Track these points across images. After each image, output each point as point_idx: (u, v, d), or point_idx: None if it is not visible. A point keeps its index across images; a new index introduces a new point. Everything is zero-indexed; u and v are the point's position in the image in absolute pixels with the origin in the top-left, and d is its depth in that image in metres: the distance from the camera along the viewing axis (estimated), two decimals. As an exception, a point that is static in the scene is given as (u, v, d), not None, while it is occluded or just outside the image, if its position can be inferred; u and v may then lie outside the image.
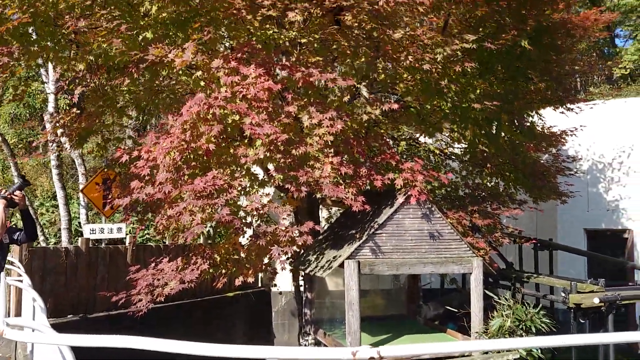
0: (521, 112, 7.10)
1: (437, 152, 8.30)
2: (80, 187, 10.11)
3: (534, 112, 7.66)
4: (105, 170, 9.35)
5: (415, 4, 5.05)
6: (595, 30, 9.12)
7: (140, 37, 5.66)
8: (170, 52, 5.43)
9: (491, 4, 5.30)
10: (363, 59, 5.43)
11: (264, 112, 5.25)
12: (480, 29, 5.38)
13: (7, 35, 5.86)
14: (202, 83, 5.49)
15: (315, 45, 5.75)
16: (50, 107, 9.41)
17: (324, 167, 5.41)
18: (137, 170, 5.46)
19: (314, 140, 5.43)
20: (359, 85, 5.76)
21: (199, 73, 5.49)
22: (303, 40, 5.66)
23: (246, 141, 5.57)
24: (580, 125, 9.33)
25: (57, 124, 7.06)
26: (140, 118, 7.24)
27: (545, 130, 8.86)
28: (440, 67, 5.60)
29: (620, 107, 12.18)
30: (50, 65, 8.56)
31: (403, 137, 8.40)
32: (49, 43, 6.11)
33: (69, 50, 6.18)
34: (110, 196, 7.94)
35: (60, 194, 9.60)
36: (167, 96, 6.26)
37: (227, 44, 6.27)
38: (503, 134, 7.26)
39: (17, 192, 4.38)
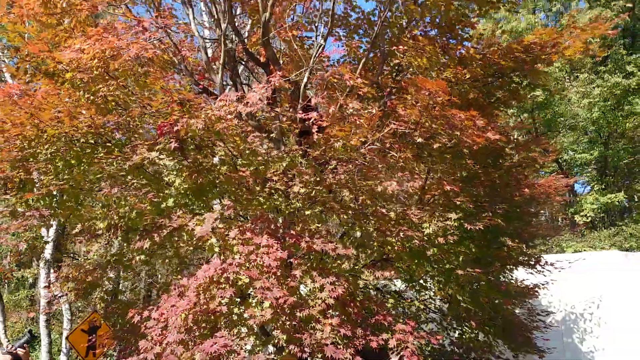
0: (498, 274, 8.02)
1: (422, 306, 9.01)
2: (65, 332, 10.26)
3: (508, 273, 8.60)
4: (93, 316, 9.65)
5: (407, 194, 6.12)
6: (557, 194, 10.45)
7: (163, 205, 6.51)
8: (190, 220, 6.26)
9: (469, 191, 6.43)
10: (359, 233, 6.35)
11: (274, 277, 5.98)
12: (459, 211, 6.43)
13: (36, 202, 6.65)
14: (217, 249, 6.25)
15: (317, 216, 6.68)
16: (47, 253, 9.91)
17: (325, 329, 6.03)
18: (147, 331, 5.95)
19: (316, 303, 6.11)
20: (355, 253, 6.62)
21: (214, 240, 6.27)
22: (307, 212, 6.60)
23: (253, 302, 6.20)
24: (551, 280, 10.28)
25: (65, 278, 7.57)
26: (145, 277, 7.82)
27: (519, 283, 9.75)
28: (426, 239, 6.56)
29: (586, 257, 13.34)
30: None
31: (390, 290, 9.16)
32: (73, 204, 6.91)
33: (91, 211, 6.96)
34: (95, 342, 8.20)
35: (45, 342, 9.71)
36: (180, 259, 6.96)
37: (241, 213, 7.15)
38: (483, 293, 8.08)
39: (20, 349, 4.84)
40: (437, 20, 7.72)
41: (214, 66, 7.55)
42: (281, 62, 8.61)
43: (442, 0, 6.79)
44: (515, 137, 25.87)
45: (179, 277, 6.89)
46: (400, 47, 7.13)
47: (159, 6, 7.30)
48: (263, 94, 5.49)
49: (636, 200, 29.88)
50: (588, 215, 23.89)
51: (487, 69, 6.98)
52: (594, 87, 23.21)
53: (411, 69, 7.05)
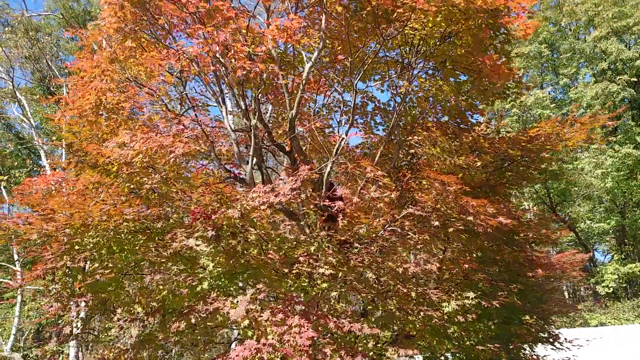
0: (518, 351, 8.34)
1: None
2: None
3: (528, 349, 8.89)
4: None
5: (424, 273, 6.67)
6: (573, 269, 10.85)
7: (199, 288, 7.09)
8: (225, 303, 6.81)
9: (485, 270, 6.95)
10: (380, 312, 6.84)
11: (306, 355, 6.43)
12: (476, 290, 6.93)
13: (84, 289, 7.29)
14: (250, 333, 6.75)
15: (344, 297, 7.20)
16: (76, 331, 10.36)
17: (353, 407, 6.39)
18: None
19: (344, 380, 6.51)
20: (381, 333, 7.07)
21: (247, 322, 6.78)
22: (333, 294, 7.12)
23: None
24: (573, 355, 10.45)
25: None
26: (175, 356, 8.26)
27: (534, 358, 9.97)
28: (446, 317, 7.02)
29: (608, 332, 13.45)
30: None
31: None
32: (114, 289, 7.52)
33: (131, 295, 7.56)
34: None
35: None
36: (209, 337, 7.45)
37: (271, 295, 7.69)
38: (504, 370, 8.36)
39: None
40: (448, 106, 8.56)
41: (244, 155, 8.36)
42: (303, 147, 9.44)
43: (451, 95, 7.62)
44: (530, 206, 26.28)
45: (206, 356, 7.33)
46: (415, 137, 7.90)
47: (193, 102, 8.23)
48: (293, 186, 6.21)
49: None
50: (610, 285, 23.86)
51: (496, 157, 7.68)
52: (606, 158, 23.87)
53: (425, 157, 7.77)
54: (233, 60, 6.45)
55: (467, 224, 6.34)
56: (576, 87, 26.81)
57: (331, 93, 9.88)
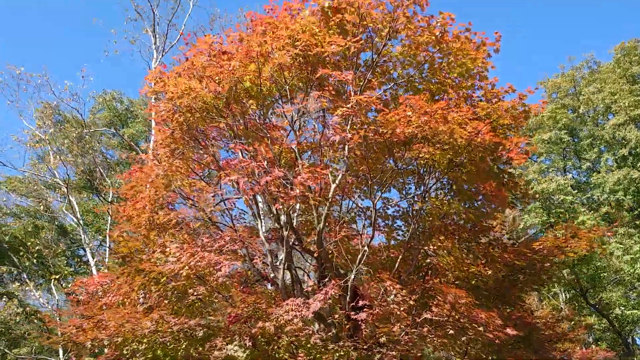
0: None
1: None
2: None
3: None
4: None
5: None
6: None
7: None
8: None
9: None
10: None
11: None
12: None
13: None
14: None
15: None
16: None
17: None
18: None
19: None
20: None
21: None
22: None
23: None
24: None
25: None
26: None
27: None
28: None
29: None
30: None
31: None
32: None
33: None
34: None
35: None
36: None
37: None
38: None
39: None
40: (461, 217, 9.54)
41: (277, 264, 9.40)
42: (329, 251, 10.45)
43: (461, 211, 8.64)
44: (562, 292, 26.32)
45: None
46: (431, 246, 8.87)
47: (232, 219, 9.44)
48: (321, 300, 7.17)
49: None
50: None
51: (506, 266, 8.54)
52: (632, 243, 24.13)
53: (440, 266, 8.69)
54: (272, 187, 7.66)
55: (478, 333, 7.14)
56: (599, 172, 27.56)
57: (354, 201, 11.01)
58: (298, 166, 8.21)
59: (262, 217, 9.55)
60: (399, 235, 10.82)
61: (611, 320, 26.76)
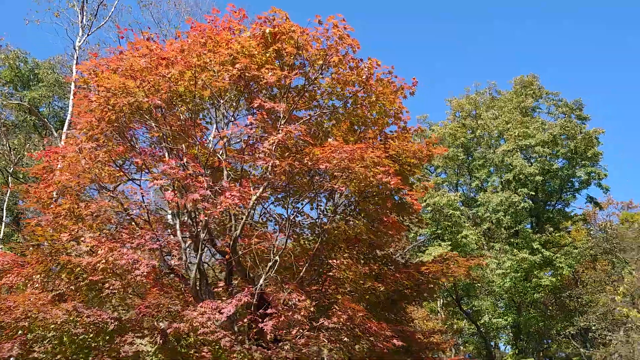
0: None
1: None
2: None
3: None
4: None
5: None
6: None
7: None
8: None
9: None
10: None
11: None
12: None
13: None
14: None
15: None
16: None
17: None
18: None
19: None
20: None
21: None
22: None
23: None
24: None
25: None
26: None
27: None
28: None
29: None
30: None
31: None
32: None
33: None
34: None
35: None
36: None
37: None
38: None
39: None
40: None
41: (190, 263, 10.06)
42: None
43: (365, 231, 9.83)
44: (440, 300, 28.94)
45: None
46: (335, 260, 9.99)
47: (148, 215, 9.95)
48: (235, 305, 8.01)
49: (547, 365, 33.14)
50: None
51: (396, 285, 9.89)
52: (504, 260, 27.21)
53: (340, 279, 9.84)
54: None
55: (369, 343, 8.37)
56: (485, 191, 30.54)
57: (268, 210, 11.90)
58: (223, 180, 8.93)
59: (180, 217, 10.13)
60: (307, 244, 11.87)
61: (479, 326, 29.98)
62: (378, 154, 8.07)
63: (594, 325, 27.33)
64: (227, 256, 10.44)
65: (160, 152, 10.38)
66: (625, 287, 26.68)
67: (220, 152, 9.90)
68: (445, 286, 28.73)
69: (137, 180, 10.18)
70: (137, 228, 9.71)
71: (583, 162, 29.25)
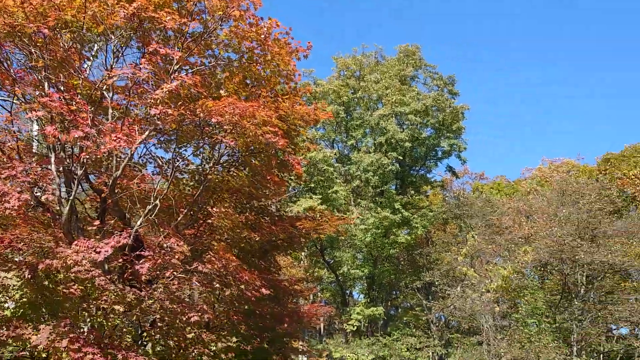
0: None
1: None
2: None
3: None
4: None
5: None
6: (317, 318, 14.35)
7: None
8: (29, 330, 8.30)
9: (248, 323, 9.70)
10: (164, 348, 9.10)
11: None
12: (239, 336, 9.64)
13: None
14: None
15: (135, 335, 9.23)
16: None
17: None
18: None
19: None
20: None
21: (42, 346, 8.36)
22: (125, 330, 9.11)
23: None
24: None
25: None
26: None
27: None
28: (212, 354, 9.57)
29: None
30: None
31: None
32: None
33: None
34: None
35: None
36: None
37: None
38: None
39: None
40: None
41: (63, 199, 9.86)
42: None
43: (248, 184, 10.32)
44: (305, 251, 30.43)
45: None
46: (214, 208, 10.39)
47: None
48: (112, 246, 8.16)
49: (392, 314, 36.76)
50: (354, 324, 29.15)
51: (270, 236, 10.59)
52: (369, 217, 29.35)
53: (218, 227, 10.31)
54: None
55: (240, 290, 9.01)
56: (359, 151, 32.31)
57: (150, 150, 11.84)
58: (109, 120, 8.81)
59: (56, 150, 9.80)
60: (187, 190, 12.07)
61: (338, 275, 32.29)
62: (269, 113, 8.48)
63: (437, 280, 30.70)
64: (102, 194, 10.37)
65: (37, 81, 9.87)
66: (468, 249, 30.22)
67: (105, 87, 9.66)
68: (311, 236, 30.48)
69: (9, 109, 9.61)
70: (5, 158, 9.26)
71: (448, 134, 31.98)
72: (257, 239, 10.29)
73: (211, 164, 10.33)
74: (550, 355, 25.17)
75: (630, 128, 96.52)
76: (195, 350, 9.19)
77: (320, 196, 28.63)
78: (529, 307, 30.07)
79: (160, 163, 11.22)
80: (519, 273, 30.21)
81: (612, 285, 29.35)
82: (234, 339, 9.63)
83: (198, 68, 9.71)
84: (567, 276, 28.44)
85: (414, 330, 31.53)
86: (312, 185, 29.80)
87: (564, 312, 28.98)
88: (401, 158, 30.98)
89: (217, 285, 9.20)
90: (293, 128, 9.89)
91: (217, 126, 8.69)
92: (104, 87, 9.63)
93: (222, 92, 9.66)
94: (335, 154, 31.87)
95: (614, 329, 32.19)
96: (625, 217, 31.67)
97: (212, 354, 9.45)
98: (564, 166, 43.17)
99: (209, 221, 10.47)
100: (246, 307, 10.47)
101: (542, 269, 31.99)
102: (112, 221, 10.25)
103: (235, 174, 10.12)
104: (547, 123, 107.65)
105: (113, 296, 8.54)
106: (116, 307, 9.10)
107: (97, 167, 11.68)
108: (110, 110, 9.36)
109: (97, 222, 10.16)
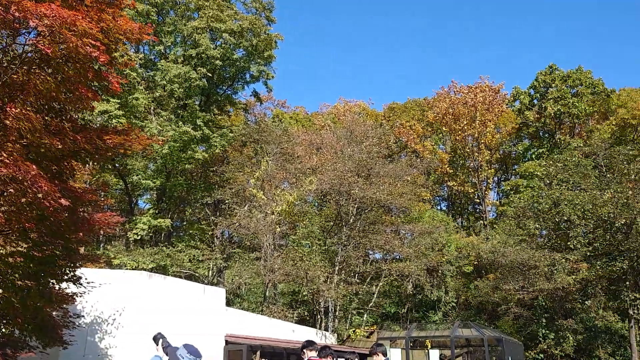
0: (46, 285, 11.47)
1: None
2: None
3: (56, 284, 12.14)
4: None
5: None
6: (108, 227, 14.60)
7: None
8: None
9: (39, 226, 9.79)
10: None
11: None
12: (30, 241, 9.74)
13: None
14: None
15: None
16: None
17: None
18: None
19: None
20: None
21: None
22: None
23: None
24: (87, 291, 14.25)
25: None
26: None
27: (62, 291, 13.35)
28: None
29: (119, 275, 18.08)
30: None
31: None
32: None
33: None
34: None
35: None
36: None
37: None
38: (31, 299, 11.38)
39: None
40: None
41: None
42: None
43: (56, 90, 10.05)
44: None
45: None
46: (15, 109, 9.96)
47: None
48: None
49: (178, 225, 37.91)
50: (139, 233, 29.51)
51: (74, 145, 10.54)
52: (168, 130, 29.29)
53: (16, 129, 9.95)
54: None
55: (37, 199, 9.06)
56: (167, 59, 31.45)
57: None
58: None
59: None
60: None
61: (127, 184, 31.91)
62: (92, 25, 8.37)
63: (228, 199, 32.43)
64: None
65: None
66: (260, 173, 32.36)
67: None
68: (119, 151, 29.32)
69: None
70: None
71: (259, 59, 32.90)
72: (59, 147, 10.20)
73: (14, 60, 9.76)
74: (316, 272, 29.07)
75: (415, 83, 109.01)
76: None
77: (119, 100, 27.56)
78: (305, 230, 33.80)
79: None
80: (302, 200, 33.56)
81: (376, 217, 34.51)
82: (24, 245, 9.71)
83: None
84: (342, 207, 32.54)
85: (198, 243, 33.11)
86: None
87: (334, 237, 33.33)
88: (210, 75, 31.11)
89: (12, 191, 9.09)
90: (113, 42, 9.80)
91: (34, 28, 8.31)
92: None
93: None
94: (140, 59, 30.61)
95: (371, 254, 38.16)
96: (396, 161, 36.94)
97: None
98: (356, 107, 47.71)
99: (7, 122, 9.99)
100: (39, 212, 10.46)
101: (323, 198, 35.93)
102: None
103: (42, 77, 9.73)
104: (355, 65, 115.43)
105: None
106: None
107: None
108: None
109: None
